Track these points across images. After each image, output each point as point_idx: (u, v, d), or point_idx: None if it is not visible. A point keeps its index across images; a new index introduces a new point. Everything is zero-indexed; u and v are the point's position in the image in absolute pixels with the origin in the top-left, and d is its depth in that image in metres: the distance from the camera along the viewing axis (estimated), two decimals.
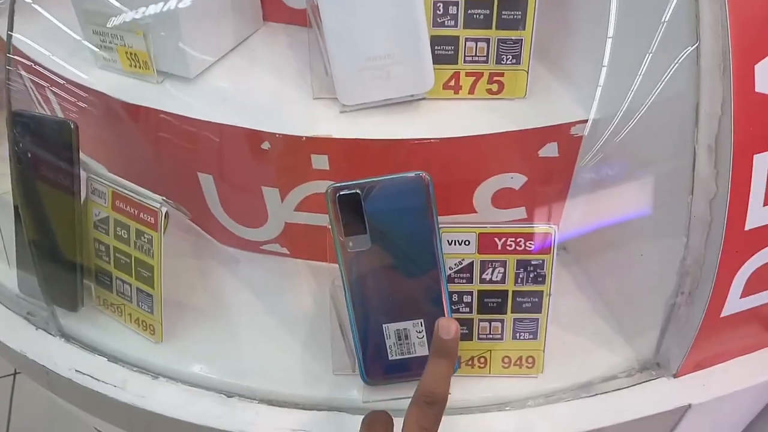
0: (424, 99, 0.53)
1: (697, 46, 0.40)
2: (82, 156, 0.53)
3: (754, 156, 0.40)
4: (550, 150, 0.52)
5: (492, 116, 0.52)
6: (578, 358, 0.53)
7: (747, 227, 0.42)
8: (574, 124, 0.51)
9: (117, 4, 0.56)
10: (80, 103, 0.59)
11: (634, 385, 0.52)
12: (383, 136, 0.50)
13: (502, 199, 0.55)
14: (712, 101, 0.40)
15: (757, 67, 0.39)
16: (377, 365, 0.50)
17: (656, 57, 0.45)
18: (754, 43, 0.39)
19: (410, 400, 0.43)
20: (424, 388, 0.42)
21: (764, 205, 0.42)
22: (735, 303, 0.46)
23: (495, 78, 0.53)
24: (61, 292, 0.57)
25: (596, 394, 0.51)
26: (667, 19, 0.42)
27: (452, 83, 0.53)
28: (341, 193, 0.45)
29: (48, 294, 0.56)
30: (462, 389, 0.51)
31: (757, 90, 0.39)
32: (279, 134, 0.50)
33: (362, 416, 0.50)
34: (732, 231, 0.42)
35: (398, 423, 0.50)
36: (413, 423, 0.42)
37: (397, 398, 0.51)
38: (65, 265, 0.55)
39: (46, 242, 0.55)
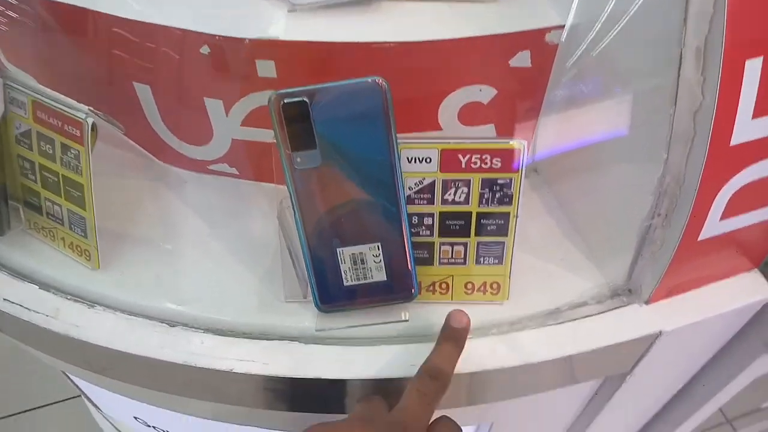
0: None
1: None
2: (2, 62, 0.47)
3: (746, 61, 0.36)
4: (522, 59, 0.48)
5: (459, 20, 0.47)
6: (546, 284, 0.51)
7: (733, 142, 0.38)
8: (549, 30, 0.46)
9: None
10: (2, 7, 0.52)
11: (604, 312, 0.49)
12: (338, 39, 0.45)
13: (470, 114, 0.51)
14: None
15: None
16: (331, 291, 0.47)
17: None
18: None
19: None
20: (430, 363, 0.43)
21: (753, 118, 0.38)
22: (714, 225, 0.43)
23: None
24: None
25: (564, 322, 0.49)
26: None
27: None
28: (286, 101, 0.40)
29: None
30: (422, 316, 0.48)
31: None
32: (219, 36, 0.45)
33: (315, 345, 0.48)
34: (716, 146, 0.38)
35: (354, 353, 0.48)
36: (413, 389, 0.42)
37: (353, 326, 0.48)
38: None
39: None
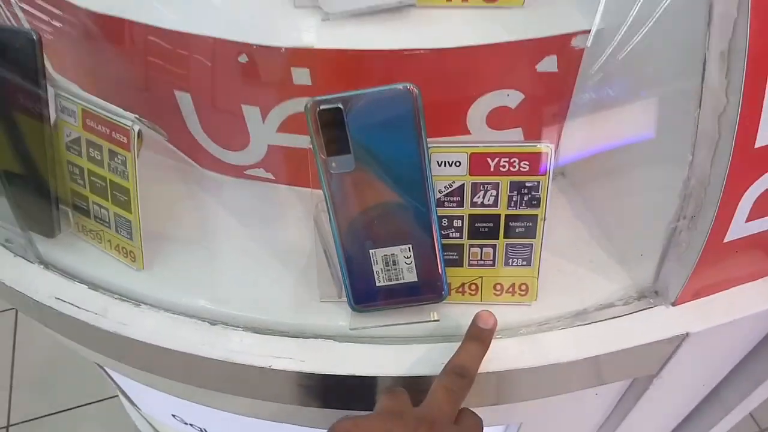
0: (413, 7, 0.49)
1: None
2: (50, 72, 0.50)
3: None
4: (549, 64, 0.49)
5: (487, 26, 0.48)
6: (574, 285, 0.51)
7: (757, 144, 0.39)
8: (575, 35, 0.48)
9: None
10: (48, 18, 0.55)
11: (631, 313, 0.50)
12: (369, 46, 0.46)
13: (498, 118, 0.52)
14: (728, 1, 0.36)
15: None
16: (365, 292, 0.49)
17: None
18: None
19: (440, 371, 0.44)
20: (456, 361, 0.45)
21: None
22: (740, 227, 0.43)
23: None
24: (36, 218, 0.54)
25: (591, 323, 0.49)
26: None
27: None
28: (322, 107, 0.42)
29: (23, 220, 0.54)
30: (452, 316, 0.50)
31: None
32: (256, 45, 0.47)
33: (350, 344, 0.49)
34: (741, 148, 0.39)
35: (386, 351, 0.49)
36: (440, 386, 0.43)
37: (385, 325, 0.50)
38: (39, 190, 0.53)
39: (17, 167, 0.53)
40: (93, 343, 0.55)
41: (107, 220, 0.53)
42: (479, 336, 0.46)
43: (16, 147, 0.52)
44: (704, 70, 0.38)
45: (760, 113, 0.38)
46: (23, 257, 0.56)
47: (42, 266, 0.55)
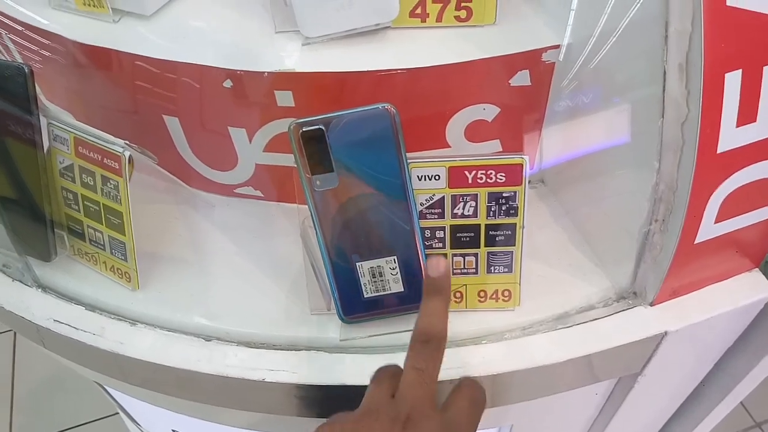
0: (389, 28, 0.51)
1: None
2: (42, 102, 0.52)
3: (726, 74, 0.39)
4: (522, 78, 0.51)
5: (461, 44, 0.50)
6: (555, 289, 0.53)
7: (719, 150, 0.41)
8: (545, 49, 0.50)
9: None
10: (38, 49, 0.57)
11: (611, 314, 0.51)
12: (348, 68, 0.48)
13: (476, 131, 0.54)
14: (682, 17, 0.38)
15: None
16: (353, 303, 0.50)
17: None
18: None
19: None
20: (418, 328, 0.42)
21: (737, 127, 0.41)
22: (709, 228, 0.45)
23: (463, 4, 0.50)
24: (33, 242, 0.56)
25: (573, 325, 0.51)
26: None
27: (419, 11, 0.51)
28: (304, 129, 0.44)
29: (20, 245, 0.56)
30: None
31: (728, 3, 0.37)
32: (240, 71, 0.49)
33: (340, 354, 0.51)
34: (704, 154, 0.41)
35: (376, 360, 0.51)
36: (408, 366, 0.41)
37: (375, 335, 0.51)
38: (35, 216, 0.55)
39: (12, 193, 0.54)
40: (91, 362, 0.57)
41: (102, 243, 0.54)
42: (435, 287, 0.42)
43: (11, 174, 0.53)
44: (665, 81, 0.40)
45: (720, 120, 0.40)
46: (21, 281, 0.57)
47: (39, 289, 0.56)
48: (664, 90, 0.41)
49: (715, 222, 0.45)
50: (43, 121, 0.52)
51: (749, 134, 0.41)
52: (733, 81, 0.39)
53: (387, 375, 0.43)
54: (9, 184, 0.54)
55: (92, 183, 0.52)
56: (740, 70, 0.39)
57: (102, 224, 0.53)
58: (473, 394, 0.43)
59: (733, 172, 0.43)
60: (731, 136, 0.41)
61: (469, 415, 0.42)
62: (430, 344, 0.41)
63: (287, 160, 0.55)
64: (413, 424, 0.39)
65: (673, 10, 0.38)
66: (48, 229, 0.55)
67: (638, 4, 0.42)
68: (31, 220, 0.55)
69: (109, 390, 0.85)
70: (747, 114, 0.40)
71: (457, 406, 0.42)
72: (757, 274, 0.52)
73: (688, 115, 0.40)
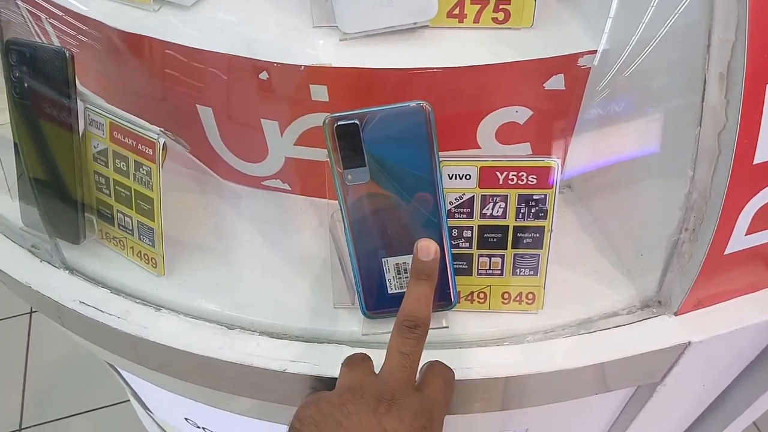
0: (427, 27, 0.51)
1: None
2: (79, 87, 0.53)
3: (767, 85, 0.39)
4: (556, 82, 0.51)
5: (497, 46, 0.50)
6: (579, 295, 0.53)
7: (756, 161, 0.41)
8: (582, 54, 0.50)
9: None
10: (76, 34, 0.58)
11: (635, 322, 0.51)
12: (384, 65, 0.49)
13: (507, 133, 0.54)
14: (726, 25, 0.38)
15: None
16: (377, 299, 0.51)
17: None
18: None
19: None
20: (404, 311, 0.44)
21: None
22: (740, 240, 0.45)
23: (501, 6, 0.50)
24: (63, 225, 0.57)
25: (596, 331, 0.51)
26: None
27: (457, 11, 0.51)
28: (339, 123, 0.44)
29: (50, 227, 0.56)
30: (461, 324, 0.52)
31: None
32: (277, 63, 0.49)
33: (362, 349, 0.51)
34: (740, 164, 0.41)
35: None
36: (394, 349, 0.43)
37: None
38: (66, 199, 0.55)
39: (46, 176, 0.55)
40: (115, 346, 0.57)
41: (131, 228, 0.55)
42: (423, 270, 0.44)
43: (46, 157, 0.54)
44: (704, 90, 0.40)
45: (758, 131, 0.40)
46: (49, 262, 0.58)
47: (67, 271, 0.57)
48: (703, 99, 0.41)
49: (746, 234, 0.45)
50: (80, 105, 0.53)
51: None
52: None
53: (358, 359, 0.46)
54: (43, 166, 0.55)
55: (125, 168, 0.52)
56: None
57: (132, 209, 0.54)
58: (445, 374, 0.46)
59: None
60: None
61: (444, 393, 0.45)
62: (416, 330, 0.43)
63: (317, 154, 0.56)
64: (398, 404, 0.41)
65: (718, 18, 0.38)
66: (78, 213, 0.56)
67: (679, 12, 0.42)
68: (62, 203, 0.55)
69: (124, 375, 0.86)
70: None
71: (433, 385, 0.44)
72: None
73: (726, 125, 0.40)
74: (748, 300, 0.52)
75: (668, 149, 0.48)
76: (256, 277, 0.56)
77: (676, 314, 0.51)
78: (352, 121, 0.44)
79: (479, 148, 0.55)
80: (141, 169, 0.51)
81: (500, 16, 0.51)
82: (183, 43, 0.52)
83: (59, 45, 0.60)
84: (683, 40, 0.43)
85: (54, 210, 0.56)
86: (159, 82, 0.56)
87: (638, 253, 0.53)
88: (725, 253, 0.46)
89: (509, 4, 0.51)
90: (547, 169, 0.47)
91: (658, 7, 0.44)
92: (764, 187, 0.43)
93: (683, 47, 0.43)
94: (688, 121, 0.43)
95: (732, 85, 0.39)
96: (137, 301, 0.55)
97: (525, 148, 0.56)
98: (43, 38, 0.62)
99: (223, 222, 0.61)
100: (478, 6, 0.51)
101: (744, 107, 0.39)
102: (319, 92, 0.51)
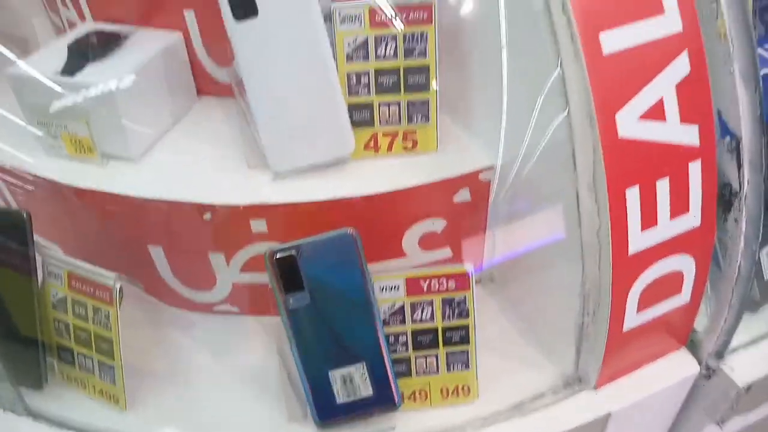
0: (348, 160, 0.59)
1: (567, 110, 0.46)
2: (37, 238, 0.57)
3: (626, 190, 0.47)
4: (463, 195, 0.59)
5: (410, 170, 0.58)
6: (509, 380, 0.59)
7: (630, 252, 0.49)
8: (482, 171, 0.58)
9: (58, 88, 0.59)
10: (30, 189, 0.63)
11: (561, 401, 0.57)
12: (314, 198, 0.55)
13: (428, 242, 0.61)
14: (585, 149, 0.46)
15: (617, 116, 0.45)
16: (327, 409, 0.55)
17: (543, 110, 0.51)
18: (613, 95, 0.45)
19: None
20: None
21: (642, 231, 0.48)
22: (633, 318, 0.52)
23: (409, 136, 0.59)
24: (25, 372, 0.59)
25: (527, 413, 0.56)
26: (547, 86, 0.49)
27: (371, 144, 0.59)
28: (278, 255, 0.50)
29: (12, 375, 0.59)
30: (405, 423, 0.56)
31: (620, 136, 0.45)
32: (218, 205, 0.55)
33: None
34: (618, 256, 0.48)
35: None
36: None
37: None
38: (27, 346, 0.58)
39: (6, 326, 0.58)
40: None
41: (91, 368, 0.58)
42: None
43: (6, 308, 0.58)
44: (578, 198, 0.48)
45: (627, 227, 0.48)
46: (12, 411, 0.60)
47: (31, 418, 0.59)
48: (578, 205, 0.49)
49: (637, 312, 0.52)
50: (38, 258, 0.57)
51: (653, 237, 0.49)
52: (633, 195, 0.47)
53: None
54: (3, 317, 0.58)
55: (84, 313, 0.56)
56: (638, 186, 0.47)
57: (92, 350, 0.57)
58: None
59: (645, 269, 0.50)
60: (638, 240, 0.49)
61: None
62: None
63: (262, 278, 0.61)
64: None
65: (578, 144, 0.46)
66: (41, 359, 0.59)
67: (548, 137, 0.50)
68: (24, 351, 0.58)
69: None
70: (648, 220, 0.48)
71: None
72: (684, 352, 0.59)
73: (600, 225, 0.48)
74: (656, 367, 0.58)
75: (564, 244, 0.55)
76: (215, 401, 0.60)
77: (595, 388, 0.57)
78: (289, 253, 0.50)
79: (405, 256, 0.62)
80: (99, 313, 0.55)
81: (409, 144, 0.59)
82: (131, 194, 0.57)
83: (14, 201, 0.65)
84: (557, 155, 0.51)
85: (16, 358, 0.59)
86: (111, 229, 0.62)
87: (555, 335, 0.60)
88: (624, 330, 0.53)
89: (415, 134, 0.59)
90: (464, 274, 0.54)
91: (535, 128, 0.53)
92: (642, 272, 0.50)
93: (558, 161, 0.51)
94: (574, 220, 0.51)
95: (599, 193, 0.47)
96: None
97: (446, 252, 0.63)
98: None
99: (178, 350, 0.65)
100: (389, 138, 0.59)
101: (611, 210, 0.47)
102: (259, 225, 0.57)
